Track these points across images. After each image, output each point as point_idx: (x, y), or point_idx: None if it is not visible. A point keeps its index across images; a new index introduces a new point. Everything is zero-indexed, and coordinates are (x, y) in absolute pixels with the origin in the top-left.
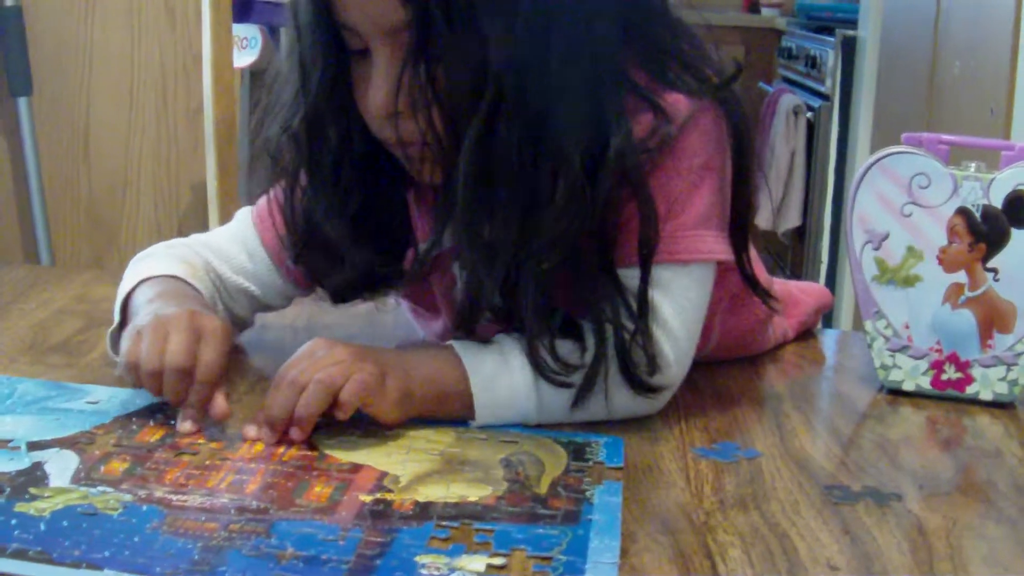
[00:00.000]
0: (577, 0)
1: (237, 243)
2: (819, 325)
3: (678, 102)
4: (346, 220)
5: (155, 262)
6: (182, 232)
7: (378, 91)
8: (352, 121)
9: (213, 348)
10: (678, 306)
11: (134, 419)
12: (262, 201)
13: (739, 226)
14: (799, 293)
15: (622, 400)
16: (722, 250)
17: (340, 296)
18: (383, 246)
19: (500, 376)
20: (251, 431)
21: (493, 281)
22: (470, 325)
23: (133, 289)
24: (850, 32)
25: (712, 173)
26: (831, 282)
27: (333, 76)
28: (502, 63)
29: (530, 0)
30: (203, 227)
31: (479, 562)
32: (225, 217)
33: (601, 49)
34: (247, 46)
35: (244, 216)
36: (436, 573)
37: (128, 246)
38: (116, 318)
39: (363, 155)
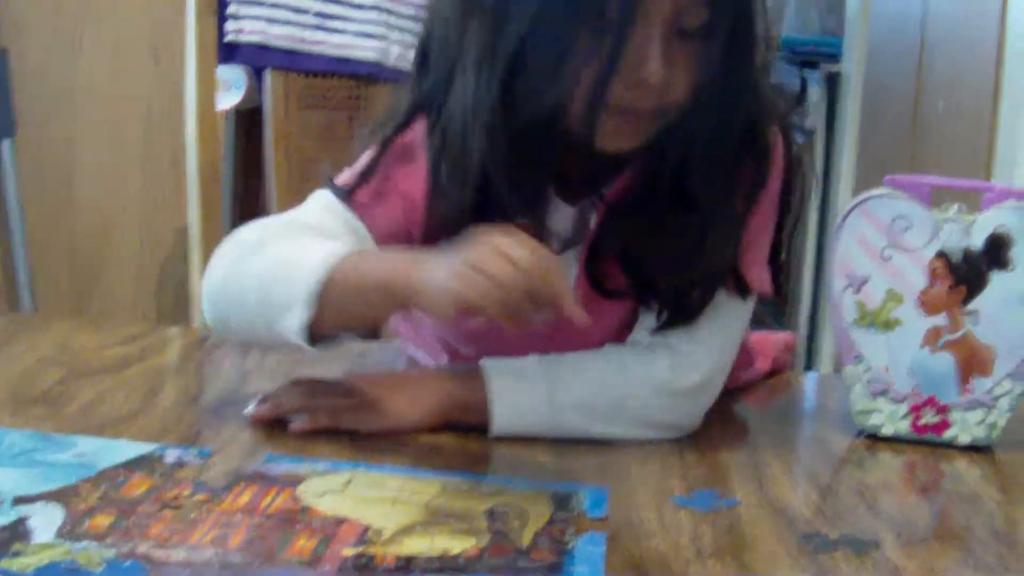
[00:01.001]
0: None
1: (336, 222)
2: (793, 365)
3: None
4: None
5: (300, 250)
6: (164, 276)
7: (658, 58)
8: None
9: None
10: (719, 327)
11: (121, 471)
12: (349, 183)
13: (776, 257)
14: (765, 334)
15: (650, 402)
16: (768, 284)
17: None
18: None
19: (519, 385)
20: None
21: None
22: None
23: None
24: (834, 67)
25: (774, 206)
26: (813, 324)
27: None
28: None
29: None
30: (186, 271)
31: None
32: (208, 259)
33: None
34: (231, 88)
35: (331, 202)
36: None
37: (110, 289)
38: (299, 320)
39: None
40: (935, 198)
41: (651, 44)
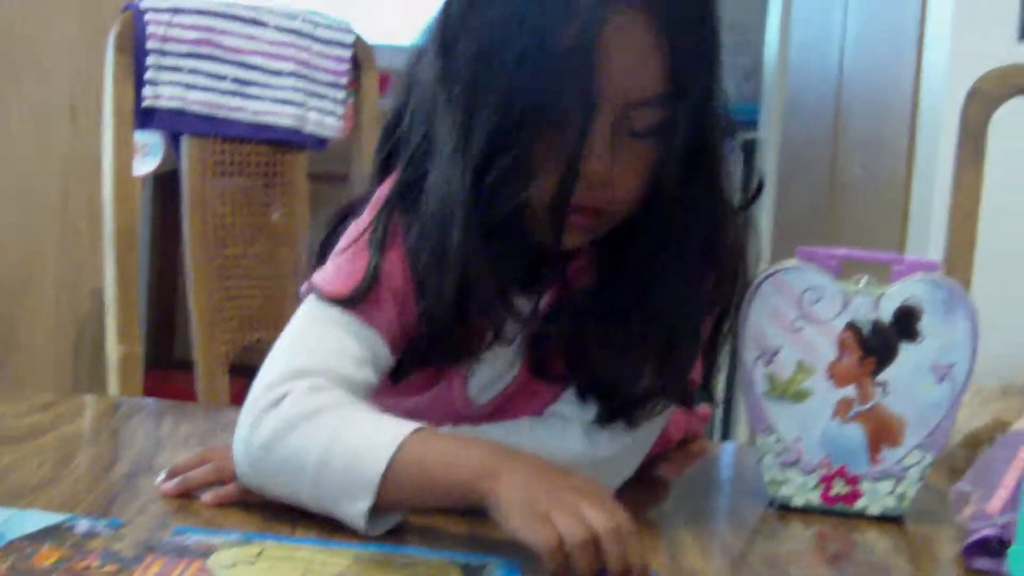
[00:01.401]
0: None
1: (349, 338)
2: (705, 435)
3: None
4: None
5: (353, 430)
6: (81, 336)
7: (602, 155)
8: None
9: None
10: None
11: (29, 542)
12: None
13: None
14: None
15: None
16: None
17: (402, 367)
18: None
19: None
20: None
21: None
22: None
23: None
24: (751, 135)
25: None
26: (729, 394)
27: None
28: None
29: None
30: (102, 333)
31: None
32: (124, 326)
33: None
34: (148, 153)
35: (320, 309)
36: None
37: (27, 348)
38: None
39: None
40: (846, 269)
41: (595, 142)
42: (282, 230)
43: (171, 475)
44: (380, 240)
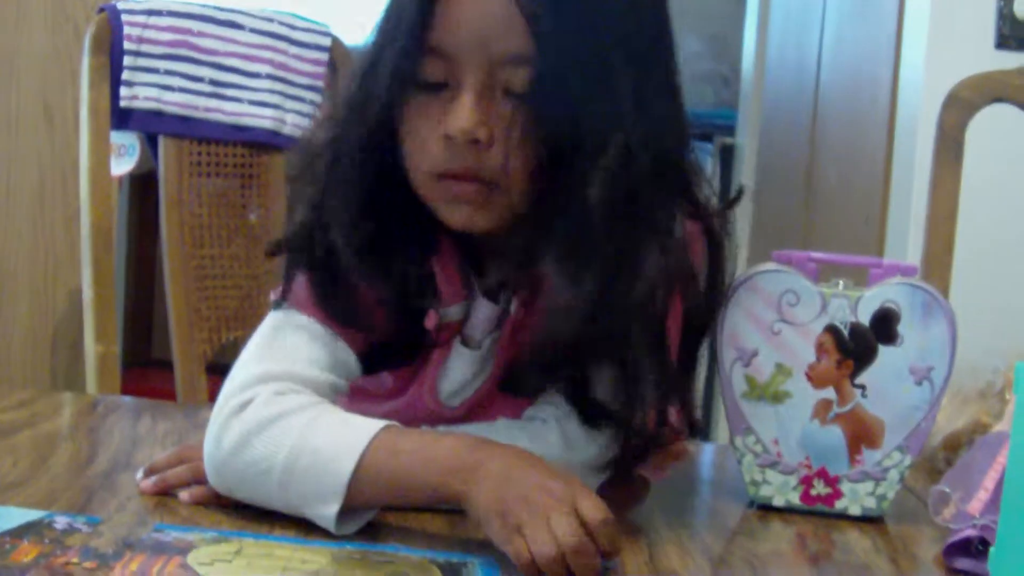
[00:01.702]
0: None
1: (311, 342)
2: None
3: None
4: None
5: (321, 435)
6: (59, 337)
7: (465, 112)
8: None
9: (595, 502)
10: None
11: (9, 539)
12: (299, 291)
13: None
14: None
15: None
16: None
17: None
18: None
19: None
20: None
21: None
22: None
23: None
24: (728, 139)
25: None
26: (708, 398)
27: (398, 107)
28: (623, 122)
29: (652, 73)
30: (79, 334)
31: None
32: (101, 326)
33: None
34: (125, 153)
35: (285, 315)
36: None
37: (4, 349)
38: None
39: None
40: (824, 273)
41: (462, 98)
42: (259, 230)
43: (148, 473)
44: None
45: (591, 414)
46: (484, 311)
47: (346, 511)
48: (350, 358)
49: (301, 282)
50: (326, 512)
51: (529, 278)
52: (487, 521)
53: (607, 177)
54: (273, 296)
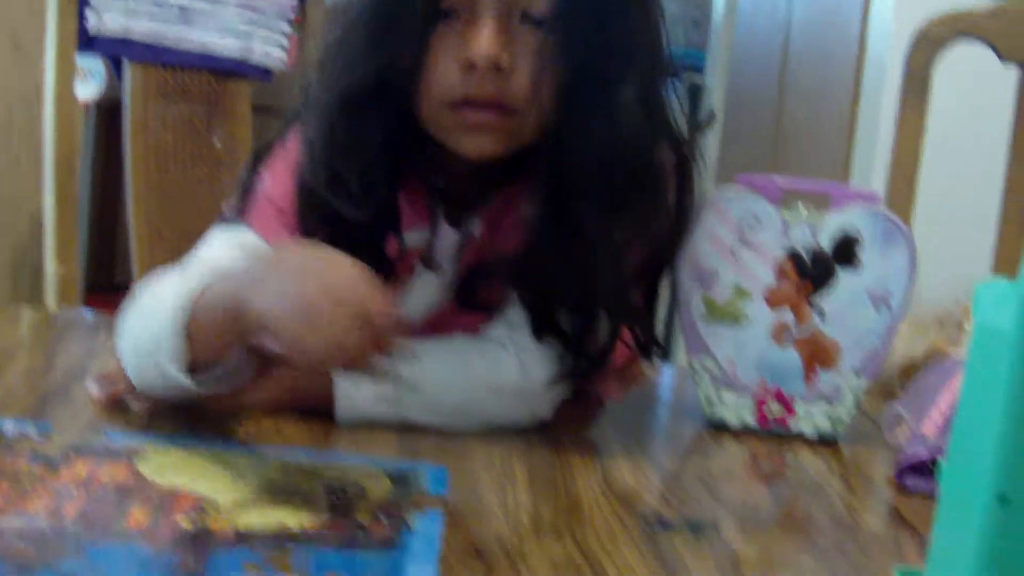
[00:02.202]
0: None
1: (239, 249)
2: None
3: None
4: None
5: (161, 294)
6: (20, 260)
7: (487, 38)
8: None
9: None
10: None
11: None
12: (249, 209)
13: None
14: None
15: (497, 402)
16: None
17: None
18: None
19: (363, 383)
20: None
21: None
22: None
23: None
24: (697, 78)
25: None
26: (670, 320)
27: (419, 35)
28: (639, 49)
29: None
30: (40, 257)
31: None
32: (62, 247)
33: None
34: (90, 78)
35: (229, 229)
36: None
37: None
38: (181, 381)
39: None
40: (787, 199)
41: (482, 24)
42: (224, 156)
43: (100, 382)
44: (272, 159)
45: (546, 329)
46: (447, 237)
47: (202, 368)
48: None
49: (260, 197)
50: (165, 357)
51: (498, 198)
52: (275, 317)
53: (631, 104)
54: (225, 208)
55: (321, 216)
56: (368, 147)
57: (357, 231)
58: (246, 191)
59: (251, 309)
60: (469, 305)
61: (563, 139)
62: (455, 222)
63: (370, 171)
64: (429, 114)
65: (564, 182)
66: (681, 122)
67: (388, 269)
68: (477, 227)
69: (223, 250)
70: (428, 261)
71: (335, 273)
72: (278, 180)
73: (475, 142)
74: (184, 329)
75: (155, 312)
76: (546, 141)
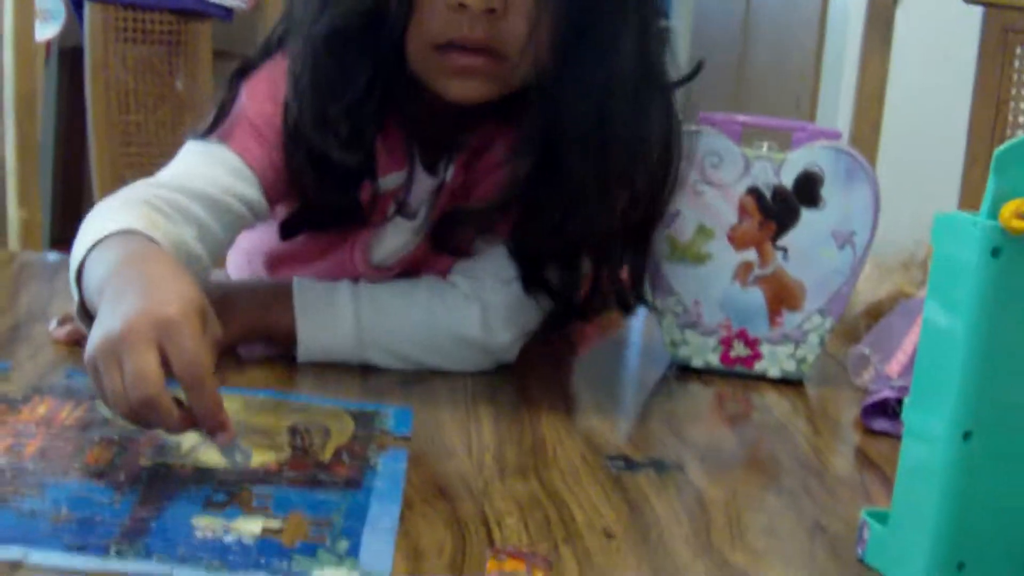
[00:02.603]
0: None
1: (214, 165)
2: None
3: None
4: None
5: (108, 215)
6: None
7: None
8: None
9: (188, 345)
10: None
11: None
12: (227, 127)
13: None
14: None
15: (458, 353)
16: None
17: (293, 225)
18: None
19: (326, 322)
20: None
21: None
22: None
23: (84, 261)
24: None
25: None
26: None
27: None
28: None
29: None
30: (2, 201)
31: (255, 524)
32: (24, 192)
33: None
34: (49, 18)
35: (204, 145)
36: (210, 535)
37: None
38: (75, 296)
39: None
40: (746, 138)
41: None
42: (185, 98)
43: (63, 322)
44: (254, 80)
45: (535, 282)
46: (423, 182)
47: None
48: (258, 198)
49: (240, 117)
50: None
51: (474, 141)
52: (94, 334)
53: (630, 49)
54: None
55: (307, 156)
56: (355, 86)
57: (342, 174)
58: (224, 108)
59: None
60: (443, 250)
61: (557, 88)
62: (430, 167)
63: (358, 113)
64: (416, 55)
65: (556, 133)
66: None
67: (362, 215)
68: (451, 170)
69: (199, 166)
70: (403, 207)
71: (153, 290)
72: (258, 101)
73: (461, 87)
74: (76, 274)
75: (83, 233)
76: (536, 89)
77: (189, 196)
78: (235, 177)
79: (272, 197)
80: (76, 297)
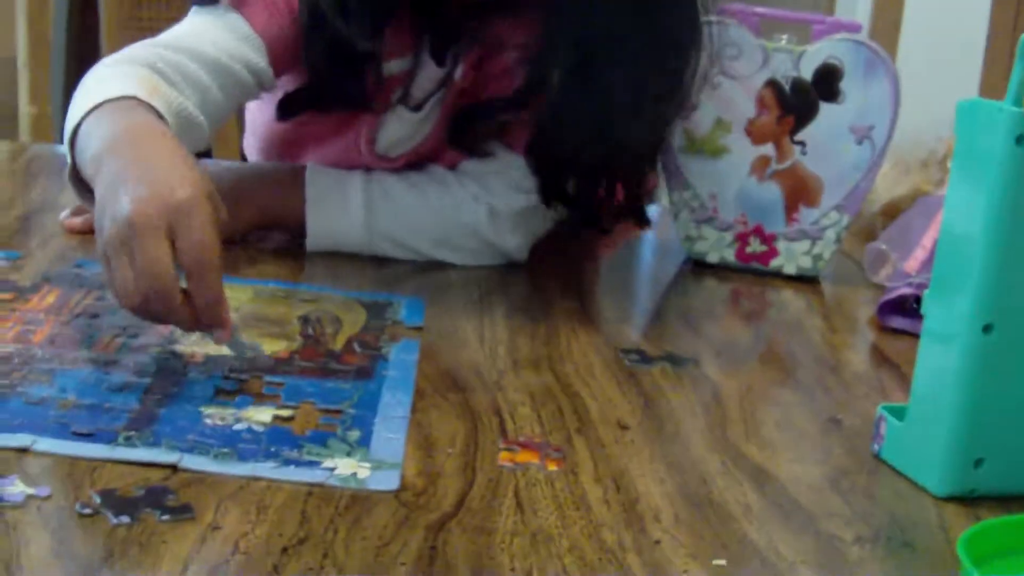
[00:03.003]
0: None
1: (221, 29)
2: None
3: None
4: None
5: (109, 76)
6: None
7: None
8: None
9: (199, 232)
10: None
11: None
12: None
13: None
14: None
15: (468, 244)
16: None
17: (294, 103)
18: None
19: (337, 210)
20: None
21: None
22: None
23: (79, 125)
24: None
25: None
26: None
27: None
28: None
29: None
30: (13, 100)
31: (266, 413)
32: (35, 87)
33: None
34: None
35: (213, 9)
36: (220, 423)
37: None
38: (67, 159)
39: None
40: (767, 29)
41: None
42: None
43: (76, 213)
44: None
45: (554, 194)
46: (429, 71)
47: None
48: (265, 66)
49: None
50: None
51: (488, 37)
52: (98, 216)
53: None
54: None
55: (323, 38)
56: None
57: (352, 54)
58: None
59: (95, 183)
60: (459, 146)
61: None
62: (438, 57)
63: None
64: None
65: (581, 36)
66: None
67: (364, 97)
68: (461, 67)
69: (208, 30)
70: (405, 96)
71: (160, 176)
72: None
73: None
74: (71, 136)
75: (81, 93)
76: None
77: (194, 59)
78: (243, 43)
79: (279, 68)
80: (68, 160)
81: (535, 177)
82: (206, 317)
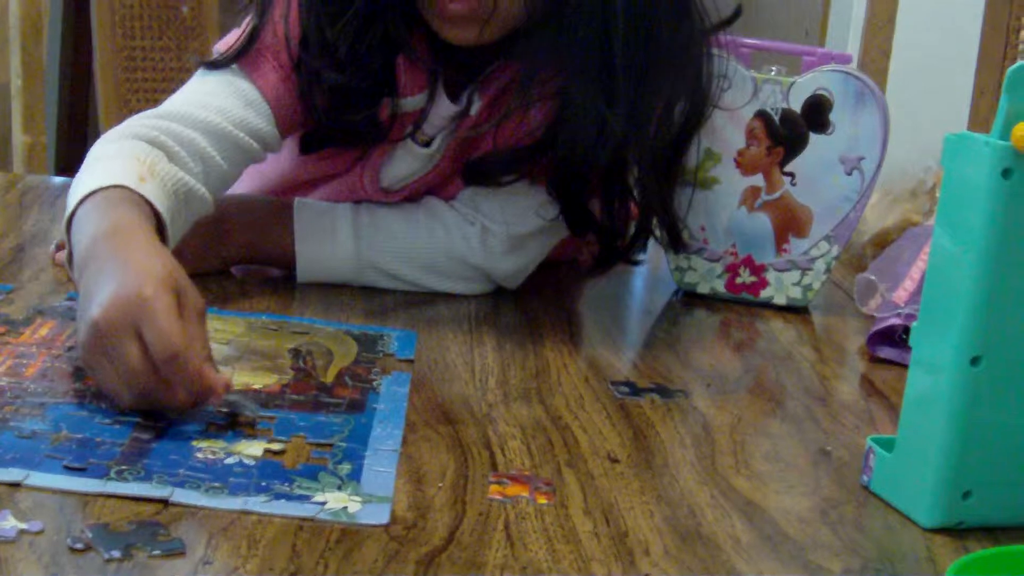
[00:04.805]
0: None
1: (228, 96)
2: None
3: None
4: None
5: (104, 159)
6: None
7: None
8: None
9: (161, 323)
10: (548, 232)
11: None
12: (244, 53)
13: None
14: None
15: (459, 271)
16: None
17: (315, 139)
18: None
19: (325, 242)
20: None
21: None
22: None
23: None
24: None
25: None
26: None
27: None
28: None
29: None
30: (8, 126)
31: (257, 447)
32: (29, 119)
33: None
34: None
35: (220, 72)
36: (211, 457)
37: None
38: (67, 248)
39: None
40: (757, 60)
41: None
42: (192, 23)
43: (60, 247)
44: (264, 3)
45: (580, 220)
46: (443, 107)
47: None
48: (271, 130)
49: (224, 40)
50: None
51: (500, 77)
52: (83, 313)
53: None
54: (216, 49)
55: (314, 77)
56: (354, 15)
57: (348, 93)
58: (251, 37)
59: (80, 280)
60: (476, 183)
61: (556, 22)
62: (453, 95)
63: (357, 38)
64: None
65: (561, 67)
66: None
67: (379, 134)
68: (476, 105)
69: (214, 97)
70: (416, 129)
71: (128, 270)
72: (273, 23)
73: (455, 31)
74: (67, 222)
75: (80, 177)
76: (527, 29)
77: (199, 130)
78: (250, 109)
79: (285, 129)
80: (68, 249)
81: (558, 202)
82: (193, 396)
